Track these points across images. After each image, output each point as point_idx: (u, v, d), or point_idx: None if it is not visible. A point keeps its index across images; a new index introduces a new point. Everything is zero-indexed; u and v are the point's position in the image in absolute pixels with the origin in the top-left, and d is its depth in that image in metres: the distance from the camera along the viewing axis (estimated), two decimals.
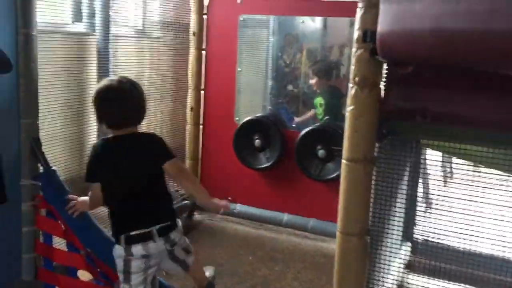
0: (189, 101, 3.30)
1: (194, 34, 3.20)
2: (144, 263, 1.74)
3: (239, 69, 3.16)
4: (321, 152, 2.90)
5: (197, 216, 3.44)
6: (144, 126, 2.68)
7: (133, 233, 1.71)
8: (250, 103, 3.21)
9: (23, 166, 1.95)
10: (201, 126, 3.35)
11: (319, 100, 3.00)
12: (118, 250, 1.74)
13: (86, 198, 1.84)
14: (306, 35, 3.02)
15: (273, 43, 3.10)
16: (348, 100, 1.70)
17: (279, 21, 3.06)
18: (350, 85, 1.68)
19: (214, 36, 3.22)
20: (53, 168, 1.98)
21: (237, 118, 3.21)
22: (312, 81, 2.99)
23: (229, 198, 3.28)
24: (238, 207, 3.25)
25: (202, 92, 3.30)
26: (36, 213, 1.96)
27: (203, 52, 3.25)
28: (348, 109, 1.70)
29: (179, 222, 1.84)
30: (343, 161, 1.78)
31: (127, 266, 1.73)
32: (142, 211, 1.75)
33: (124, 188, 1.74)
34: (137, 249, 1.72)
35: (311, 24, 2.99)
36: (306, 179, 2.99)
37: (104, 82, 1.78)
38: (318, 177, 2.95)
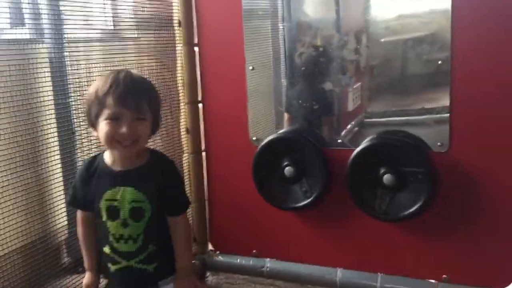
0: (184, 120, 2.33)
1: (179, 24, 2.24)
2: None
3: (250, 68, 2.20)
4: (387, 178, 1.92)
5: (211, 278, 2.47)
6: None
7: None
8: (272, 115, 2.22)
9: None
10: (203, 154, 2.38)
11: None
12: None
13: None
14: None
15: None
16: None
17: None
18: None
19: (208, 24, 2.25)
20: None
21: (255, 138, 2.23)
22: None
23: (254, 251, 2.33)
24: (268, 264, 2.28)
25: (200, 105, 2.34)
26: None
27: (196, 49, 2.29)
28: None
29: None
30: None
31: None
32: None
33: None
34: None
35: None
36: (366, 218, 2.02)
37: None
38: (385, 215, 1.97)
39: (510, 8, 1.75)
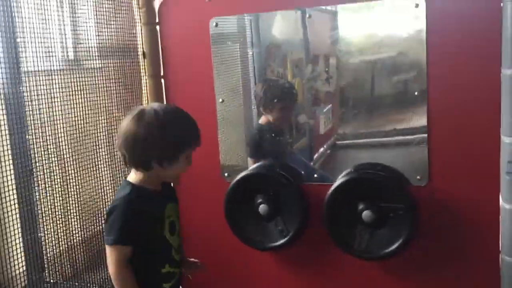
0: None
1: (144, 55, 2.12)
2: None
3: (220, 100, 2.09)
4: (366, 214, 1.83)
5: None
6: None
7: None
8: (244, 150, 2.12)
9: None
10: None
11: None
12: None
13: None
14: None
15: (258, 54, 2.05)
16: None
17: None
18: None
19: (174, 55, 2.14)
20: None
21: (227, 174, 2.12)
22: None
23: None
24: None
25: None
26: None
27: (162, 81, 2.18)
28: None
29: None
30: None
31: None
32: None
33: None
34: None
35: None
36: (346, 256, 1.92)
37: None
38: (365, 253, 1.88)
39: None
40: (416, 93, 1.80)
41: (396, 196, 1.81)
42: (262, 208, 1.97)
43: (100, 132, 2.23)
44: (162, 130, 1.40)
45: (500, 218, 1.73)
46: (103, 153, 2.26)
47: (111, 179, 2.29)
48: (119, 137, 1.44)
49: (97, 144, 2.23)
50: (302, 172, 2.01)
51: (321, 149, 2.04)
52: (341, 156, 2.01)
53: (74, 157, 2.16)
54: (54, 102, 2.09)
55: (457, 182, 1.81)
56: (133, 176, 1.48)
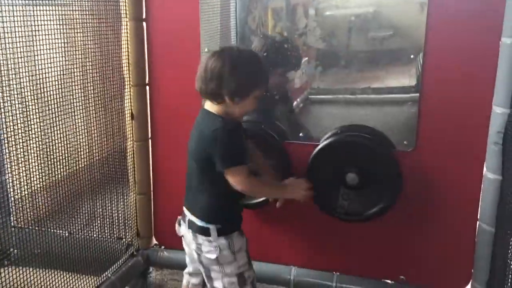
0: (128, 104, 2.09)
1: None
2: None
3: (205, 50, 1.98)
4: (350, 177, 1.82)
5: (154, 274, 2.29)
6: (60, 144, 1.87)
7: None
8: None
9: None
10: (150, 143, 2.16)
11: None
12: None
13: None
14: None
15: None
16: None
17: None
18: None
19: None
20: None
21: None
22: None
23: None
24: None
25: (147, 88, 2.10)
26: None
27: (144, 25, 2.04)
28: None
29: (214, 235, 1.61)
30: None
31: None
32: (187, 191, 1.70)
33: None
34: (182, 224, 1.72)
35: None
36: (324, 216, 1.91)
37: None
38: (347, 215, 1.87)
39: None
40: (412, 56, 1.75)
41: (381, 162, 1.79)
42: None
43: (68, 74, 2.04)
44: (240, 66, 1.50)
45: (482, 187, 1.75)
46: (93, 106, 2.09)
47: (98, 138, 2.13)
48: (198, 70, 1.54)
49: (83, 94, 2.05)
50: (287, 131, 1.96)
51: (295, 103, 1.98)
52: (316, 111, 1.95)
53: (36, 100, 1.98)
54: (15, 39, 1.88)
55: (443, 149, 1.81)
56: (215, 107, 1.56)
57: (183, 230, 1.70)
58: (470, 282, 1.85)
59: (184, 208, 1.70)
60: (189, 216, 1.66)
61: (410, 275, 1.95)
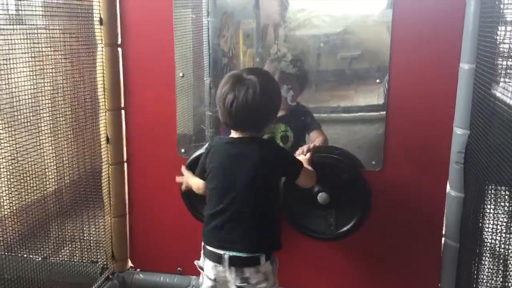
0: (103, 128, 2.11)
1: (101, 22, 2.01)
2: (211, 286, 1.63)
3: (180, 74, 2.03)
4: (321, 197, 1.87)
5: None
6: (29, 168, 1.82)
7: (208, 247, 1.61)
8: (202, 126, 2.08)
9: None
10: (125, 166, 2.19)
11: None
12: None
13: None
14: None
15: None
16: None
17: None
18: None
19: (134, 23, 2.05)
20: None
21: (183, 150, 2.08)
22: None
23: (179, 268, 2.20)
24: (194, 282, 2.15)
25: (122, 112, 2.14)
26: None
27: (119, 50, 2.08)
28: None
29: (263, 262, 1.55)
30: None
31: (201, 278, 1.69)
32: (222, 227, 1.57)
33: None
34: (208, 266, 1.62)
35: None
36: (300, 236, 1.96)
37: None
38: (318, 233, 1.93)
39: None
40: (377, 80, 1.84)
41: (351, 181, 1.86)
42: None
43: (37, 98, 2.03)
44: (277, 97, 1.60)
45: (446, 204, 1.83)
46: (69, 130, 2.08)
47: (74, 160, 2.11)
48: (221, 101, 1.52)
49: (57, 118, 2.04)
50: None
51: None
52: None
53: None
54: None
55: (410, 168, 1.89)
56: (253, 132, 1.59)
57: (219, 272, 1.58)
58: None
59: (215, 249, 1.58)
60: (228, 253, 1.55)
61: None
